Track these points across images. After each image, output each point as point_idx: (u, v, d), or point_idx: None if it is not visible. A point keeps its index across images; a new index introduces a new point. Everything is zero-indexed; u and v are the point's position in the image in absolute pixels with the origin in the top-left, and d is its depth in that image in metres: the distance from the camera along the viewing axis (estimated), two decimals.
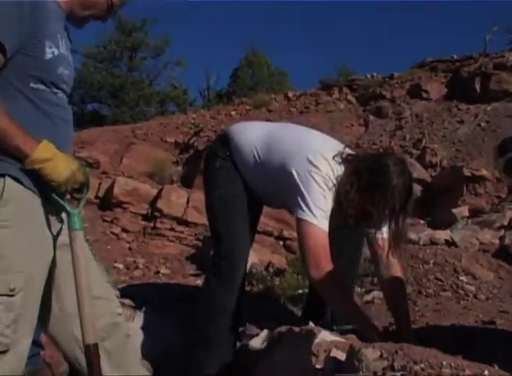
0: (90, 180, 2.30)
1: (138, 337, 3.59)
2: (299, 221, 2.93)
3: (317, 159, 2.96)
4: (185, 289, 5.29)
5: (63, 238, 2.24)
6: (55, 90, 2.21)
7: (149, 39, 30.83)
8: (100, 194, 10.26)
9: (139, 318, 3.73)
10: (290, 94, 18.90)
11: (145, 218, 9.95)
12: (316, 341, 2.54)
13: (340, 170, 2.97)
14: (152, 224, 9.72)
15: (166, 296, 4.58)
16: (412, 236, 5.98)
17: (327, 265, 2.90)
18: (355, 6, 65.26)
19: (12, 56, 2.05)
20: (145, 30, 30.81)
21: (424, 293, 4.85)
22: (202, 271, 7.57)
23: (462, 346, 2.87)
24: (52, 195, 2.15)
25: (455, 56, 17.01)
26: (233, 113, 17.43)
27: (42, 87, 2.15)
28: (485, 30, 18.09)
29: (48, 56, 2.14)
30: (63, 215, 2.26)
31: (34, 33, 2.09)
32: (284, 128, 3.48)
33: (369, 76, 18.27)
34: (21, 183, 2.08)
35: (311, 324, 2.77)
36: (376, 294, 4.79)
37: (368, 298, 4.77)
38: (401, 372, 1.99)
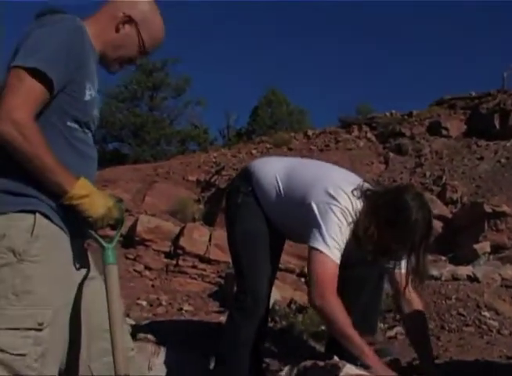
0: (125, 217, 2.36)
1: (162, 372, 3.63)
2: (311, 249, 2.95)
3: (336, 192, 3.00)
4: (208, 325, 5.32)
5: (89, 274, 2.31)
6: (86, 130, 2.28)
7: (169, 79, 31.20)
8: (123, 232, 10.34)
9: (163, 353, 3.75)
10: (310, 132, 18.99)
11: (167, 255, 10.00)
12: (341, 374, 2.56)
13: (359, 204, 3.00)
14: (174, 261, 9.76)
15: (189, 332, 4.61)
16: (434, 272, 6.00)
17: (331, 296, 2.91)
18: (371, 45, 65.83)
19: (55, 94, 2.12)
20: (166, 70, 31.23)
21: (447, 328, 4.85)
22: (225, 308, 7.58)
23: None
24: (88, 230, 2.20)
25: (473, 93, 17.08)
26: (254, 151, 17.54)
27: (76, 126, 2.22)
28: (503, 67, 18.18)
29: (87, 97, 2.21)
30: (89, 253, 2.33)
31: (78, 73, 2.16)
32: (304, 162, 3.54)
33: (388, 114, 18.36)
34: (50, 220, 2.12)
35: (336, 358, 2.76)
36: (399, 329, 4.81)
37: (391, 333, 4.79)
38: None
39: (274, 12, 68.87)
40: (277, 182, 3.24)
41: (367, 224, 2.93)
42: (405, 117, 17.51)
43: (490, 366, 3.53)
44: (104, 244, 2.24)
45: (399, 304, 3.23)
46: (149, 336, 4.19)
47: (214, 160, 17.05)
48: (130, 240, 10.15)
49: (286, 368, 3.05)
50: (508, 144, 13.62)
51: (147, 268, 9.55)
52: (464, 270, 6.60)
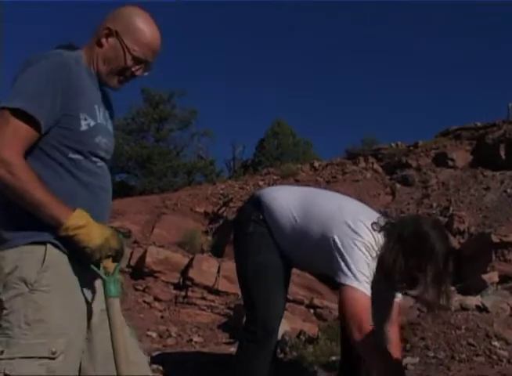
0: (125, 248, 2.34)
1: None
2: (342, 286, 3.00)
3: (358, 226, 3.06)
4: (218, 356, 5.35)
5: (100, 305, 2.30)
6: (94, 159, 2.29)
7: (176, 111, 31.40)
8: (132, 263, 10.37)
9: None
10: (316, 164, 19.03)
11: (176, 287, 10.00)
12: None
13: (380, 238, 3.07)
14: (183, 293, 9.76)
15: (200, 363, 4.64)
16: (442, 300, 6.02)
17: (369, 330, 2.96)
18: (375, 77, 66.28)
19: (48, 130, 2.17)
20: (172, 102, 31.44)
21: (458, 358, 4.87)
22: (234, 339, 7.59)
23: None
24: (88, 262, 2.19)
25: (478, 124, 17.14)
26: (261, 183, 17.57)
27: (80, 157, 2.23)
28: (508, 97, 18.30)
29: (84, 127, 2.23)
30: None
31: (69, 107, 2.18)
32: (318, 194, 3.54)
33: (393, 145, 18.43)
34: (61, 250, 2.16)
35: None
36: (410, 360, 4.83)
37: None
38: None
39: (277, 46, 69.57)
40: (291, 213, 3.25)
41: (395, 255, 3.00)
42: (411, 148, 17.56)
43: None
44: (104, 276, 2.22)
45: (384, 325, 3.29)
46: (160, 367, 4.22)
47: (221, 191, 17.10)
48: (139, 272, 10.17)
49: None
50: None
51: (156, 299, 9.55)
52: (473, 300, 6.62)
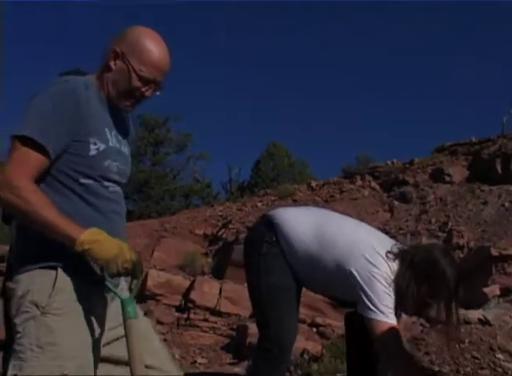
0: (142, 264, 2.27)
1: None
2: (370, 320, 3.05)
3: (374, 258, 3.11)
4: None
5: (117, 331, 2.27)
6: (106, 183, 2.28)
7: (171, 135, 31.51)
8: (133, 287, 10.35)
9: None
10: (313, 183, 19.09)
11: (178, 309, 9.99)
12: None
13: (394, 265, 3.13)
14: (186, 315, 9.75)
15: None
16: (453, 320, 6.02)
17: (402, 357, 3.06)
18: (367, 96, 66.63)
19: (58, 156, 2.17)
20: (167, 126, 31.56)
21: (462, 372, 4.87)
22: (238, 360, 7.59)
23: None
24: (105, 283, 2.16)
25: (473, 139, 17.25)
26: (259, 204, 17.62)
27: (91, 182, 2.23)
28: (502, 112, 18.43)
29: (93, 152, 2.23)
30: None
31: (77, 133, 2.19)
32: (331, 220, 3.54)
33: (389, 163, 18.51)
34: (73, 273, 2.17)
35: None
36: None
37: None
38: None
39: (271, 67, 69.97)
40: (305, 238, 3.28)
41: (407, 281, 3.07)
42: (407, 165, 17.66)
43: None
44: (121, 296, 2.19)
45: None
46: None
47: (220, 213, 17.14)
48: (140, 295, 10.16)
49: None
50: (511, 188, 13.74)
51: (159, 322, 9.53)
52: (475, 314, 6.63)
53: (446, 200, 14.36)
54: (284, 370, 3.36)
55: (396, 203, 15.18)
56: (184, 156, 32.08)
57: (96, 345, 2.23)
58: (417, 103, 67.14)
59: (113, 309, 2.29)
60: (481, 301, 7.55)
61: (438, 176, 15.86)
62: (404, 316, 3.55)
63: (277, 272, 3.32)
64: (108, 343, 2.29)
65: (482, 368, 5.00)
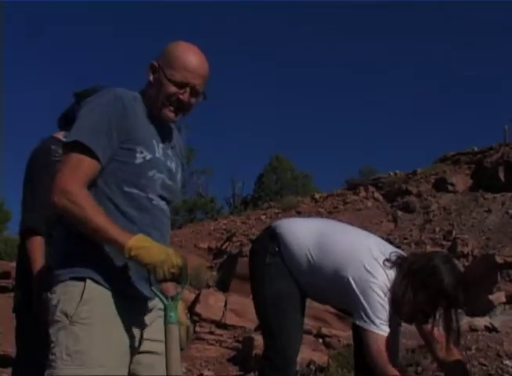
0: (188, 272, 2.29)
1: None
2: (363, 330, 3.08)
3: (373, 266, 3.11)
4: None
5: (149, 344, 2.31)
6: (151, 195, 2.31)
7: None
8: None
9: None
10: (317, 195, 19.14)
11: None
12: None
13: (392, 274, 3.12)
14: (191, 328, 9.74)
15: None
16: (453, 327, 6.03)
17: (388, 368, 3.02)
18: (368, 108, 66.73)
19: (106, 163, 2.24)
20: None
21: None
22: (245, 372, 7.58)
23: None
24: (151, 288, 2.20)
25: (476, 148, 17.29)
26: (263, 217, 17.64)
27: (135, 191, 2.28)
28: (504, 120, 18.48)
29: (139, 160, 2.28)
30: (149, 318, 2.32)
31: (125, 140, 2.25)
32: (333, 227, 3.55)
33: (392, 174, 18.55)
34: (101, 285, 2.21)
35: None
36: None
37: None
38: None
39: (275, 79, 70.23)
40: (307, 248, 3.29)
41: (404, 289, 3.07)
42: (410, 175, 17.69)
43: None
44: (165, 301, 2.21)
45: (437, 356, 3.33)
46: None
47: (224, 227, 17.17)
48: None
49: None
50: None
51: None
52: (481, 321, 6.63)
53: (450, 208, 14.38)
54: None
55: (400, 213, 15.21)
56: (187, 171, 32.16)
57: (125, 354, 2.25)
58: (419, 115, 67.22)
59: (154, 326, 2.32)
60: (487, 309, 7.54)
61: (441, 185, 15.89)
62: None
63: (281, 282, 3.33)
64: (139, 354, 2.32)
65: (490, 374, 5.01)
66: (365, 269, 3.11)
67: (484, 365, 5.23)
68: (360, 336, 3.17)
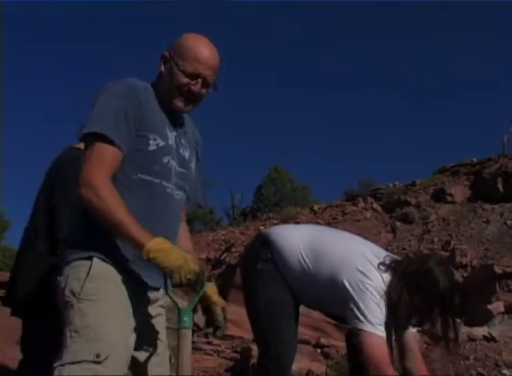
0: (205, 278, 2.28)
1: None
2: (359, 331, 3.03)
3: (367, 269, 3.10)
4: None
5: (156, 319, 2.37)
6: (165, 184, 2.33)
7: None
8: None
9: None
10: (316, 207, 19.17)
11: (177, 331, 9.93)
12: None
13: (387, 277, 3.11)
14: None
15: None
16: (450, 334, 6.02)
17: (388, 369, 2.99)
18: (366, 120, 66.78)
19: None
20: None
21: None
22: None
23: None
24: (167, 291, 2.22)
25: (474, 160, 17.33)
26: (262, 228, 17.62)
27: (149, 177, 2.29)
28: (502, 131, 18.52)
29: (152, 147, 2.30)
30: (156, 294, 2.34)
31: (140, 127, 2.27)
32: (326, 233, 3.55)
33: (391, 185, 18.58)
34: (109, 264, 2.22)
35: None
36: None
37: None
38: None
39: (273, 90, 70.36)
40: (300, 253, 3.27)
41: (399, 292, 3.06)
42: (409, 186, 17.72)
43: None
44: (180, 306, 2.20)
45: (406, 364, 3.31)
46: None
47: (222, 237, 17.17)
48: None
49: None
50: None
51: None
52: (480, 331, 6.62)
53: (448, 219, 14.39)
54: None
55: (398, 224, 15.21)
56: None
57: (133, 336, 2.25)
58: (418, 127, 67.34)
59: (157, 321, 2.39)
60: (485, 319, 7.53)
61: (439, 196, 15.91)
62: (417, 334, 3.53)
63: (274, 288, 3.30)
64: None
65: None
66: (360, 271, 3.10)
67: (483, 375, 5.23)
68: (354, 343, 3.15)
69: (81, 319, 2.16)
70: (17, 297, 3.16)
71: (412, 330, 3.34)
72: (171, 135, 2.37)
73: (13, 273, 3.33)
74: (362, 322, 3.02)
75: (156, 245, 2.11)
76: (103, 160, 2.20)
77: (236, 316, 10.23)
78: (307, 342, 8.52)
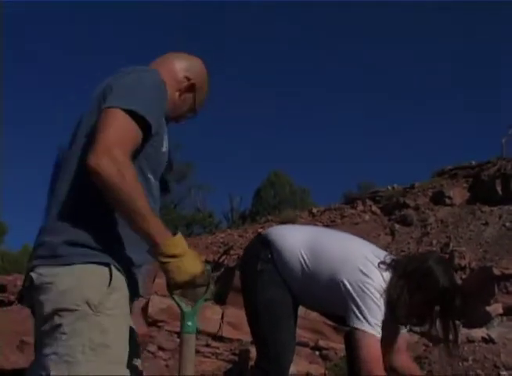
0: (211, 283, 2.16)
1: None
2: (356, 331, 3.03)
3: (368, 268, 3.10)
4: None
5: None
6: (155, 182, 2.21)
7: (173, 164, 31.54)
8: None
9: None
10: (314, 210, 19.16)
11: (180, 335, 9.92)
12: None
13: (387, 275, 3.11)
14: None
15: None
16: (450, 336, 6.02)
17: (381, 371, 3.00)
18: (364, 123, 66.71)
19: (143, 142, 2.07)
20: None
21: None
22: None
23: None
24: (172, 294, 2.06)
25: (473, 162, 17.34)
26: (261, 230, 17.56)
27: (153, 179, 2.17)
28: (501, 134, 18.52)
29: (164, 148, 2.18)
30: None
31: (161, 125, 2.14)
32: (325, 233, 3.56)
33: (389, 187, 18.59)
34: (122, 274, 2.03)
35: None
36: None
37: None
38: None
39: (273, 94, 70.29)
40: (301, 255, 3.26)
41: (399, 291, 3.06)
42: (407, 189, 17.73)
43: None
44: (185, 308, 2.08)
45: (394, 364, 3.31)
46: None
47: (221, 240, 17.15)
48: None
49: None
50: None
51: (160, 348, 9.44)
52: (478, 332, 6.63)
53: (447, 221, 14.41)
54: None
55: (397, 226, 15.22)
56: (185, 186, 32.13)
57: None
58: (416, 129, 67.35)
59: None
60: (484, 320, 7.53)
61: (438, 199, 15.92)
62: (408, 335, 3.53)
63: (273, 288, 3.30)
64: None
65: None
66: (361, 271, 3.10)
67: None
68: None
69: (100, 336, 1.92)
70: None
71: (403, 331, 3.35)
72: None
73: None
74: (361, 322, 3.02)
75: (171, 249, 1.93)
76: (129, 138, 1.97)
77: (234, 319, 10.24)
78: (305, 344, 8.53)
